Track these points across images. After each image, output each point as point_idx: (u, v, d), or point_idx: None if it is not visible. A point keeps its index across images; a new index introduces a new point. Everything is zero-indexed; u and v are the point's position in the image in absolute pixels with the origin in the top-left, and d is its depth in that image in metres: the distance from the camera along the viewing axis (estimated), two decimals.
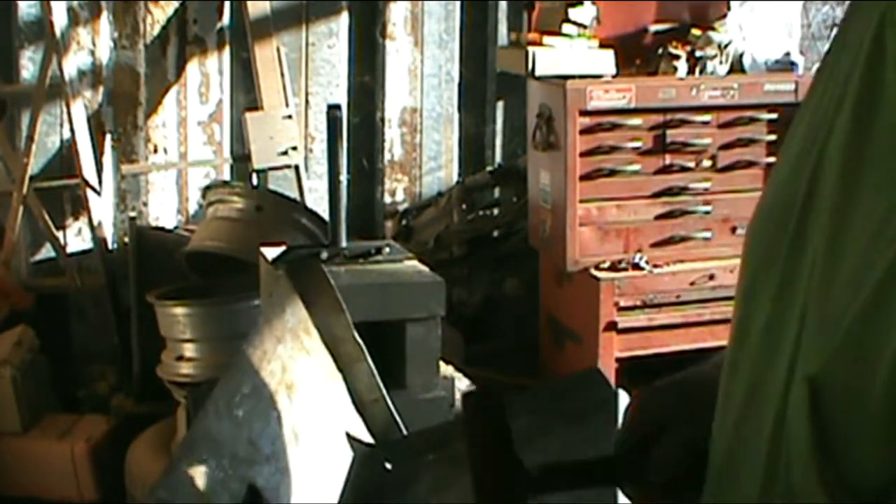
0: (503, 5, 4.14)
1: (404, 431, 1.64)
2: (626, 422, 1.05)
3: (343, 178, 2.18)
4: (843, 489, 0.63)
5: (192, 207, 3.94)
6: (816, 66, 3.29)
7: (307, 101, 4.00)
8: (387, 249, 2.21)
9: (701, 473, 0.85)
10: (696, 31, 3.27)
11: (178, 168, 3.92)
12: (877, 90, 0.67)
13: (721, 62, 3.25)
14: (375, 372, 1.68)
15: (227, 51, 3.92)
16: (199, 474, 1.37)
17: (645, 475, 1.00)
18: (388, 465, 1.54)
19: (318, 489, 1.56)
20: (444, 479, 1.30)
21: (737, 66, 3.29)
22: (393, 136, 4.12)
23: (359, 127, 4.06)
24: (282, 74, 3.78)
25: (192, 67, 3.88)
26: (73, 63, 3.65)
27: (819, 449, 0.64)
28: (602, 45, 3.17)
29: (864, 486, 0.61)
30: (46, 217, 3.63)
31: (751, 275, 0.79)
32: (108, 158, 3.81)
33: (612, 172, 3.06)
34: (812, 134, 0.75)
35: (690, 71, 3.22)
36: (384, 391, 1.67)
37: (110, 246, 3.72)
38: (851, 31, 0.74)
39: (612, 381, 3.05)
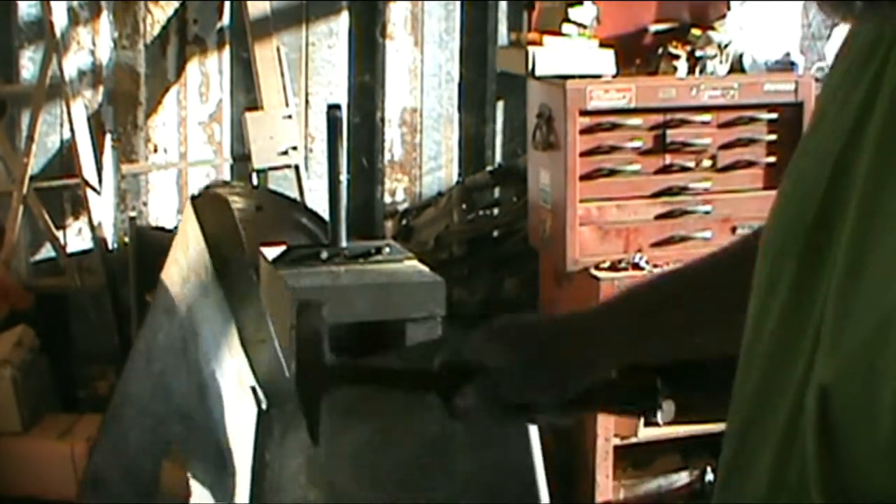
0: (503, 5, 4.14)
1: (288, 374, 1.63)
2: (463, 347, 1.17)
3: (343, 178, 2.18)
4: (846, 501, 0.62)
5: None
6: (817, 65, 3.27)
7: (307, 101, 4.00)
8: (387, 249, 2.21)
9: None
10: (696, 31, 3.27)
11: (178, 168, 3.92)
12: None
13: (721, 62, 3.25)
14: (267, 313, 1.67)
15: (227, 51, 3.92)
16: (127, 437, 1.36)
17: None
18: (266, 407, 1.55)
19: (224, 443, 1.55)
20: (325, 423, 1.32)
21: (737, 66, 3.29)
22: (393, 136, 4.12)
23: (359, 127, 4.06)
24: (282, 74, 3.78)
25: (192, 67, 3.88)
26: (73, 63, 3.65)
27: (822, 460, 0.64)
28: (602, 45, 3.17)
29: (870, 499, 0.61)
30: (46, 217, 3.63)
31: (768, 268, 0.78)
32: (108, 158, 3.81)
33: (612, 172, 3.06)
34: (825, 146, 0.74)
35: (690, 71, 3.22)
36: (272, 332, 1.66)
37: (110, 246, 3.72)
38: (856, 51, 0.73)
39: None
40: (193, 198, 1.78)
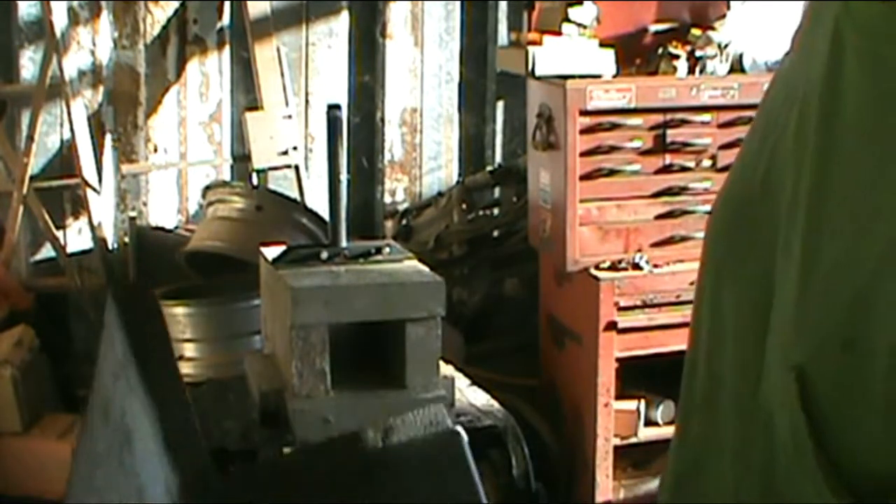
0: (503, 5, 4.14)
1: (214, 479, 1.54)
2: None
3: (343, 178, 2.18)
4: (841, 479, 0.63)
5: (192, 207, 3.94)
6: None
7: (307, 101, 4.00)
8: (387, 249, 2.20)
9: None
10: (696, 31, 3.27)
11: (178, 168, 3.92)
12: (838, 84, 0.68)
13: (721, 62, 3.25)
14: (193, 412, 1.57)
15: (227, 51, 3.92)
16: None
17: None
18: None
19: None
20: None
21: (737, 66, 3.28)
22: (393, 136, 4.12)
23: (359, 127, 4.06)
24: (282, 74, 3.78)
25: (192, 67, 3.89)
26: (73, 63, 3.65)
27: (812, 438, 0.64)
28: (602, 45, 3.17)
29: (861, 477, 0.62)
30: (46, 217, 3.63)
31: (707, 274, 0.80)
32: (108, 158, 3.82)
33: (612, 172, 3.06)
34: (766, 134, 0.76)
35: (690, 71, 3.22)
36: (199, 434, 1.55)
37: (110, 246, 3.72)
38: (805, 35, 0.75)
39: (613, 380, 3.05)
40: (113, 294, 1.71)
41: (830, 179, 0.67)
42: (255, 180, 3.72)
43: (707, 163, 3.14)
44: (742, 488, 0.74)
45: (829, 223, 0.66)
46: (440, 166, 4.19)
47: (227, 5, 3.89)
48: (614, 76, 3.14)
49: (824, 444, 0.65)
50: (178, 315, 3.04)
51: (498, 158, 4.25)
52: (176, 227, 3.83)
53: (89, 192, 3.59)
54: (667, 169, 3.11)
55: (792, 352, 0.67)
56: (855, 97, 0.67)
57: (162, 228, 3.79)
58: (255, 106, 3.78)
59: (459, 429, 1.41)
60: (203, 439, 1.47)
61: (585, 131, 3.01)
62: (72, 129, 3.57)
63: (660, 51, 3.25)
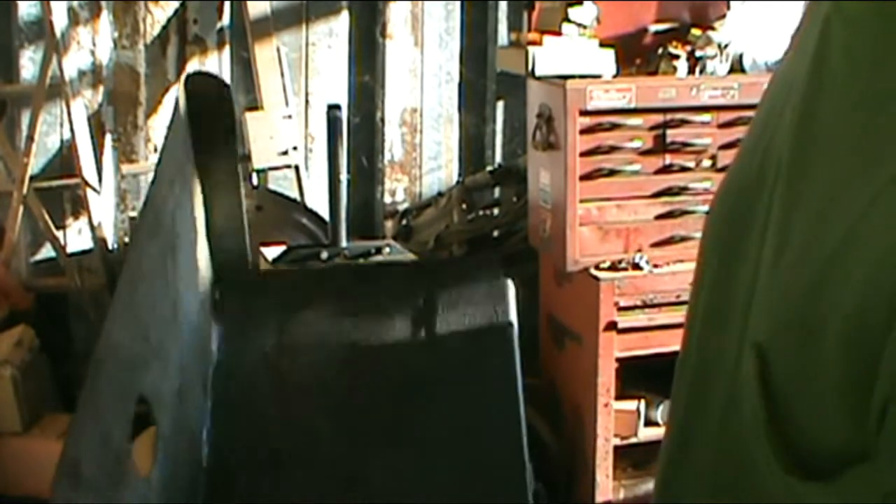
0: (503, 5, 4.14)
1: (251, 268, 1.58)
2: None
3: (343, 178, 2.18)
4: (794, 457, 0.65)
5: None
6: None
7: (307, 101, 4.00)
8: (387, 249, 2.21)
9: None
10: (696, 31, 3.27)
11: None
12: (821, 78, 0.70)
13: (721, 62, 3.25)
14: (244, 203, 1.59)
15: (227, 51, 3.92)
16: (102, 393, 1.32)
17: None
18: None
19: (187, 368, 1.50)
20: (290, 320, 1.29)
21: (737, 66, 3.28)
22: (393, 136, 4.12)
23: (359, 127, 4.06)
24: (282, 74, 3.78)
25: (192, 67, 3.88)
26: (73, 63, 3.65)
27: (770, 416, 0.66)
28: (602, 45, 3.17)
29: (816, 455, 0.64)
30: (46, 217, 3.63)
31: (703, 271, 0.82)
32: (108, 158, 3.82)
33: (612, 172, 3.06)
34: (762, 132, 0.78)
35: (690, 71, 3.22)
36: (246, 222, 1.60)
37: (110, 246, 3.72)
38: (801, 34, 0.77)
39: (613, 380, 3.06)
40: (187, 80, 1.71)
41: (805, 171, 0.69)
42: (255, 180, 3.72)
43: (707, 163, 3.14)
44: (718, 472, 0.76)
45: (799, 211, 0.69)
46: (440, 166, 4.19)
47: (227, 5, 3.89)
48: (614, 76, 3.14)
49: (779, 421, 0.67)
50: None
51: (498, 158, 4.25)
52: None
53: (89, 192, 3.59)
54: (667, 169, 3.11)
55: (755, 331, 0.70)
56: (834, 91, 0.69)
57: None
58: (255, 106, 3.78)
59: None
60: (247, 237, 1.52)
61: (585, 131, 3.02)
62: (72, 129, 3.57)
63: (660, 51, 3.25)
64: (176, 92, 3.85)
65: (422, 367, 1.56)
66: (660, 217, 3.12)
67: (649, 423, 3.16)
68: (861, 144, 0.65)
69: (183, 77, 1.70)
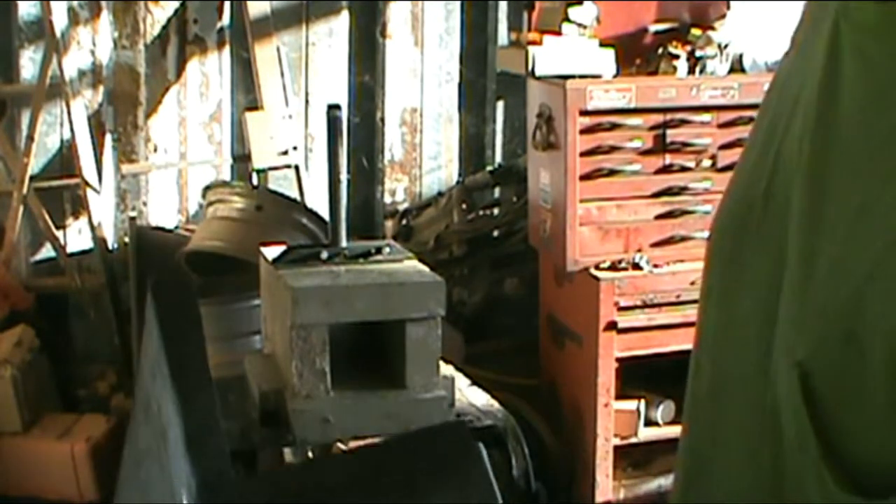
0: (503, 5, 4.14)
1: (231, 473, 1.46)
2: None
3: (343, 178, 2.18)
4: (844, 471, 0.63)
5: (192, 207, 3.94)
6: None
7: (307, 101, 4.00)
8: (387, 249, 2.20)
9: None
10: (696, 31, 3.27)
11: (178, 168, 3.92)
12: (836, 84, 0.68)
13: (721, 62, 3.25)
14: (218, 410, 1.50)
15: (227, 51, 3.92)
16: None
17: None
18: None
19: None
20: None
21: (737, 66, 3.28)
22: (393, 136, 4.12)
23: (359, 127, 4.06)
24: (282, 74, 3.78)
25: (192, 67, 3.88)
26: (73, 63, 3.65)
27: (817, 431, 0.64)
28: (602, 45, 3.17)
29: (867, 473, 0.62)
30: (46, 217, 3.63)
31: (713, 276, 0.80)
32: (108, 158, 3.82)
33: (612, 172, 3.06)
34: (768, 137, 0.76)
35: (690, 71, 3.22)
36: (221, 432, 1.48)
37: (110, 246, 3.72)
38: (805, 35, 0.75)
39: (613, 380, 3.05)
40: (153, 285, 1.71)
41: (826, 180, 0.67)
42: (255, 180, 3.72)
43: (707, 163, 3.14)
44: (753, 488, 0.74)
45: (826, 223, 0.67)
46: (440, 166, 4.19)
47: (227, 5, 3.89)
48: (614, 76, 3.14)
49: (828, 439, 0.65)
50: None
51: (498, 158, 4.25)
52: (176, 227, 3.83)
53: (89, 192, 3.59)
54: (667, 169, 3.11)
55: (795, 349, 0.68)
56: (851, 98, 0.67)
57: (162, 228, 3.79)
58: (255, 106, 3.78)
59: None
60: (225, 438, 1.46)
61: (585, 131, 3.02)
62: (72, 129, 3.57)
63: (660, 51, 3.25)
64: (176, 89, 3.85)
65: None
66: (660, 217, 3.12)
67: (649, 423, 3.16)
68: (887, 151, 0.63)
69: (150, 285, 1.70)
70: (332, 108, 2.17)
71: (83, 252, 3.75)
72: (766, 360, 0.71)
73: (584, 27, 3.18)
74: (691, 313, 3.22)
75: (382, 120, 4.09)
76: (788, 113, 0.74)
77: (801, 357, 0.66)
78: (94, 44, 3.79)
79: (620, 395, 3.09)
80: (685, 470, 0.84)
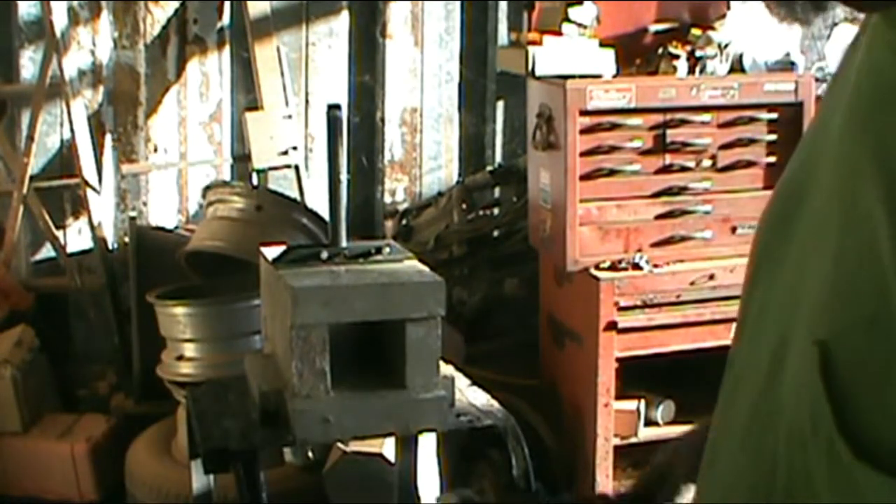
0: (503, 5, 4.14)
1: None
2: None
3: (343, 178, 2.18)
4: (864, 446, 0.63)
5: (192, 207, 3.94)
6: (817, 65, 3.28)
7: (307, 101, 4.00)
8: (387, 249, 2.20)
9: None
10: (696, 31, 3.27)
11: (178, 168, 3.92)
12: (861, 76, 0.70)
13: (721, 62, 3.25)
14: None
15: (227, 51, 3.92)
16: None
17: None
18: None
19: None
20: None
21: (737, 66, 3.29)
22: (393, 136, 4.12)
23: (359, 127, 4.06)
24: (282, 74, 3.78)
25: (192, 67, 3.88)
26: (73, 63, 3.65)
27: (835, 408, 0.65)
28: (602, 45, 3.17)
29: (883, 452, 0.62)
30: (46, 217, 3.63)
31: (752, 273, 0.81)
32: (108, 158, 3.82)
33: (612, 172, 3.06)
34: (812, 145, 0.77)
35: (690, 71, 3.22)
36: None
37: (110, 246, 3.72)
38: (857, 45, 0.76)
39: (613, 380, 3.05)
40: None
41: (859, 166, 0.69)
42: (255, 180, 3.72)
43: (707, 163, 3.14)
44: (748, 478, 0.75)
45: (858, 208, 0.68)
46: (440, 166, 4.19)
47: (227, 5, 3.89)
48: (614, 76, 3.14)
49: (845, 417, 0.65)
50: (178, 315, 3.04)
51: (498, 158, 4.25)
52: (176, 227, 3.83)
53: (89, 192, 3.60)
54: (667, 169, 3.11)
55: (817, 329, 0.68)
56: (874, 84, 0.69)
57: (162, 228, 3.79)
58: (255, 106, 3.78)
59: None
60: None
61: (585, 131, 3.02)
62: (72, 129, 3.57)
63: (660, 51, 3.25)
64: (176, 89, 3.85)
65: None
66: (660, 217, 3.11)
67: (649, 422, 3.16)
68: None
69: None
70: (332, 108, 2.16)
71: (83, 252, 3.75)
72: (782, 349, 0.72)
73: (584, 27, 3.18)
74: (691, 313, 3.26)
75: (382, 120, 4.09)
76: (828, 118, 0.75)
77: (824, 336, 0.67)
78: (94, 44, 3.79)
79: (620, 395, 3.09)
80: (703, 462, 0.85)
